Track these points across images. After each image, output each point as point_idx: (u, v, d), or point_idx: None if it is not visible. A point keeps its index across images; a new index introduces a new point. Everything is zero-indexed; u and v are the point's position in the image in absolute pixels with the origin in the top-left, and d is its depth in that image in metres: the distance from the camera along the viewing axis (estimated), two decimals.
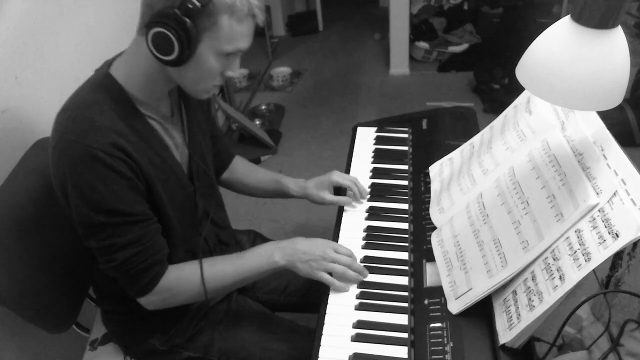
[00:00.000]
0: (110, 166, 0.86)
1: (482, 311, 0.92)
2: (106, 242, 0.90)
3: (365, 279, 1.05)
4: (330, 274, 1.03)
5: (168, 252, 0.99)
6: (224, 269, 1.02)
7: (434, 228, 1.12)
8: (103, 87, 0.91)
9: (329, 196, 1.26)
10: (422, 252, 1.09)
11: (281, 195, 1.31)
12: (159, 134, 0.97)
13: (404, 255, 1.10)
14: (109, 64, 0.95)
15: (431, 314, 0.95)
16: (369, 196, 1.27)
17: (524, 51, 0.78)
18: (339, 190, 1.29)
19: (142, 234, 0.92)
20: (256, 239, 1.38)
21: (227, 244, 1.24)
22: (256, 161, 2.71)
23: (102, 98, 0.89)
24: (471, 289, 0.93)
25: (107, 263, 0.92)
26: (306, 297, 1.29)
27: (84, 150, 0.84)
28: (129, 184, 0.89)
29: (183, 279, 1.00)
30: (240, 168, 1.32)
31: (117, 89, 0.91)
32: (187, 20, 0.80)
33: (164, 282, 0.97)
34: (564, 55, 0.71)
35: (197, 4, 0.80)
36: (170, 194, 0.99)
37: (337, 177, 1.26)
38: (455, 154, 1.26)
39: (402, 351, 0.91)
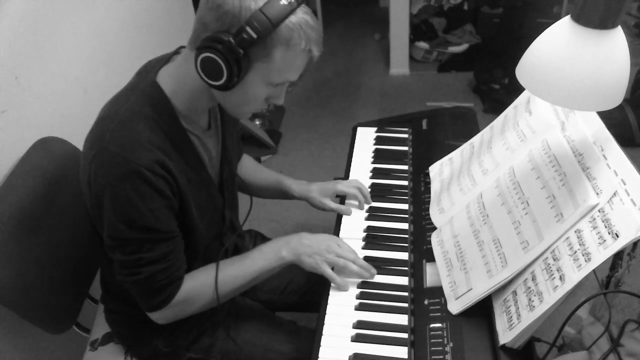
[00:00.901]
0: (152, 184, 0.85)
1: (482, 311, 0.92)
2: (134, 256, 0.89)
3: (369, 279, 1.04)
4: (334, 269, 1.04)
5: (186, 267, 0.98)
6: (234, 273, 1.02)
7: (434, 228, 1.12)
8: (150, 97, 0.89)
9: (331, 203, 1.26)
10: (422, 252, 1.09)
11: (283, 196, 1.31)
12: (196, 150, 0.96)
13: (404, 256, 1.10)
14: (154, 69, 0.92)
15: (431, 314, 0.95)
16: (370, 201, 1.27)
17: (524, 51, 0.78)
18: (343, 198, 1.29)
19: (169, 250, 0.92)
20: (257, 238, 1.39)
21: (240, 251, 1.25)
22: (256, 161, 2.71)
23: (148, 111, 0.87)
24: (471, 289, 0.93)
25: (130, 276, 0.91)
26: (306, 297, 1.29)
27: (127, 166, 0.83)
28: (166, 203, 0.88)
29: (196, 289, 0.99)
30: (246, 167, 1.32)
31: (163, 101, 0.89)
32: (241, 51, 0.78)
33: (179, 295, 0.96)
34: (564, 55, 0.71)
35: (254, 35, 0.77)
36: (201, 208, 0.98)
37: (342, 187, 1.26)
38: (455, 154, 1.26)
39: (402, 351, 0.91)
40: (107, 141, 0.84)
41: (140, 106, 0.87)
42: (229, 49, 0.78)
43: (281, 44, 0.80)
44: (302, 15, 0.81)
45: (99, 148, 0.85)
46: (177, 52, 0.97)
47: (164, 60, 0.95)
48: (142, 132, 0.85)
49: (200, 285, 0.99)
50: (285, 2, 0.79)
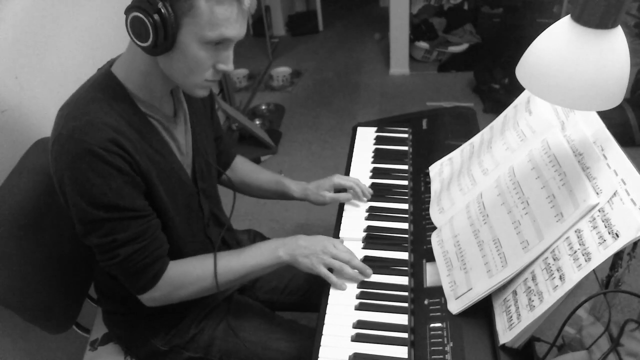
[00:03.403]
0: (108, 162, 0.85)
1: (482, 311, 0.92)
2: (107, 238, 0.90)
3: (365, 279, 1.05)
4: (331, 270, 1.04)
5: (169, 247, 0.98)
6: (229, 264, 1.02)
7: (434, 228, 1.12)
8: (104, 84, 0.90)
9: (329, 194, 1.26)
10: (422, 252, 1.09)
11: (282, 196, 1.31)
12: (160, 133, 0.97)
13: (404, 255, 1.10)
14: (111, 63, 0.94)
15: (431, 314, 0.95)
16: (371, 194, 1.27)
17: (524, 51, 0.78)
18: (342, 192, 1.29)
19: (143, 229, 0.92)
20: (256, 238, 1.39)
21: (230, 246, 1.24)
22: (256, 161, 2.71)
23: (101, 96, 0.89)
24: (471, 289, 0.93)
25: (109, 260, 0.92)
26: (306, 297, 1.29)
27: (81, 146, 0.83)
28: (126, 179, 0.88)
29: (188, 274, 0.99)
30: (242, 168, 1.32)
31: (117, 87, 0.91)
32: (159, 2, 0.78)
33: (167, 277, 0.96)
34: (564, 55, 0.71)
35: None
36: (172, 194, 0.99)
37: (338, 179, 1.27)
38: (455, 154, 1.26)
39: (402, 351, 0.91)
40: (61, 128, 0.85)
41: (93, 92, 0.89)
42: (149, 4, 0.78)
43: None
44: None
45: (55, 136, 0.86)
46: None
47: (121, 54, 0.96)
48: (93, 114, 0.86)
49: (192, 270, 1.00)
50: None
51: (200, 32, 0.81)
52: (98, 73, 0.94)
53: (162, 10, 0.78)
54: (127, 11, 0.81)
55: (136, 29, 0.81)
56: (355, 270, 1.04)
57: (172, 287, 0.98)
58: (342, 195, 1.25)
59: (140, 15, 0.79)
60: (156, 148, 0.95)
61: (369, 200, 1.26)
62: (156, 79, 0.92)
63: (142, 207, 0.92)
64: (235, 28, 0.83)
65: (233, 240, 1.28)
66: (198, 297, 1.03)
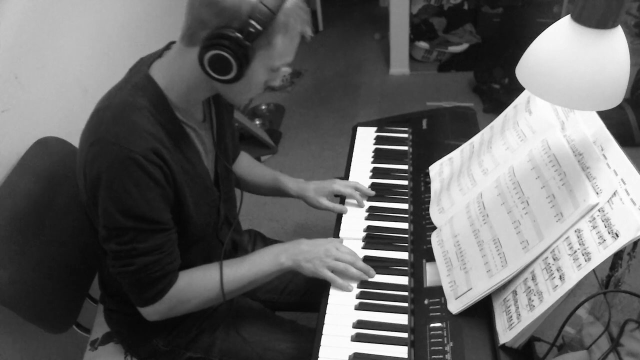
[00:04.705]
0: (148, 172, 0.85)
1: (482, 311, 0.92)
2: (127, 246, 0.89)
3: (369, 280, 1.04)
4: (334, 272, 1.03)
5: (180, 262, 0.98)
6: (232, 274, 1.01)
7: (434, 228, 1.12)
8: (144, 89, 0.90)
9: (326, 202, 1.26)
10: (422, 252, 1.09)
11: (279, 193, 1.31)
12: (192, 141, 0.97)
13: (404, 255, 1.10)
14: (146, 64, 0.93)
15: (431, 314, 0.95)
16: (373, 193, 1.27)
17: (524, 51, 0.78)
18: (343, 198, 1.28)
19: (162, 242, 0.92)
20: (257, 238, 1.38)
21: (238, 248, 1.24)
22: (253, 159, 2.71)
23: (143, 102, 0.88)
24: (471, 288, 0.93)
25: (122, 267, 0.91)
26: (306, 296, 1.29)
27: (124, 154, 0.83)
28: (161, 192, 0.89)
29: (191, 287, 0.99)
30: (243, 164, 1.32)
31: (157, 93, 0.90)
32: (248, 44, 0.80)
33: (173, 291, 0.96)
34: (564, 55, 0.71)
35: (259, 27, 0.80)
36: (196, 199, 0.98)
37: (338, 186, 1.26)
38: (455, 154, 1.26)
39: (402, 351, 0.91)
40: (103, 131, 0.85)
41: (135, 97, 0.88)
42: (237, 44, 0.80)
43: (280, 30, 0.82)
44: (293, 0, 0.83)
45: (94, 138, 0.85)
46: (167, 47, 0.97)
47: (156, 55, 0.95)
48: (137, 121, 0.86)
49: (195, 283, 0.99)
50: None
51: (270, 62, 0.86)
52: (135, 75, 0.93)
53: (248, 51, 0.81)
54: (208, 47, 0.81)
55: (216, 65, 0.82)
56: (360, 272, 1.04)
57: (177, 300, 0.97)
58: (337, 207, 1.24)
59: (224, 54, 0.80)
60: (188, 156, 0.95)
61: (368, 200, 1.26)
62: (201, 91, 0.93)
63: (167, 220, 0.92)
64: (295, 53, 0.90)
65: (241, 241, 1.28)
66: (201, 309, 1.03)
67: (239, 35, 0.79)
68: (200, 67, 0.83)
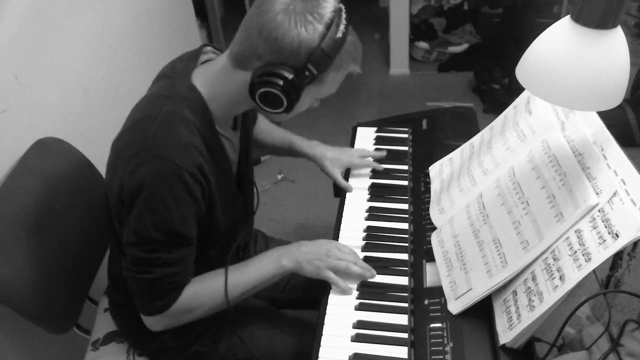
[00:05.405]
0: (189, 189, 0.86)
1: (482, 311, 0.92)
2: (152, 254, 0.90)
3: (370, 280, 1.04)
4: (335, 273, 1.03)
5: (193, 275, 0.99)
6: (235, 281, 1.01)
7: (434, 228, 1.12)
8: (189, 101, 0.89)
9: (340, 177, 1.29)
10: (422, 252, 1.09)
11: (294, 154, 1.35)
12: (226, 151, 0.97)
13: (404, 256, 1.10)
14: (187, 71, 0.92)
15: (431, 314, 0.95)
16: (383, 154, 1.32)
17: (524, 51, 0.78)
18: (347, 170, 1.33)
19: (185, 255, 0.93)
20: (258, 236, 1.39)
21: (248, 246, 1.26)
22: (256, 161, 2.71)
23: (189, 114, 0.87)
24: (471, 289, 0.93)
25: (140, 274, 0.91)
26: (307, 293, 1.30)
27: (169, 168, 0.83)
28: (196, 208, 0.90)
29: (197, 296, 0.99)
30: (260, 126, 1.33)
31: (202, 107, 0.90)
32: (303, 86, 0.82)
33: (178, 303, 0.96)
34: (564, 55, 0.71)
35: (315, 72, 0.82)
36: (224, 207, 0.99)
37: (357, 160, 1.31)
38: (455, 154, 1.26)
39: (402, 351, 0.91)
40: (149, 142, 0.84)
41: (181, 108, 0.88)
42: (291, 86, 0.81)
43: (333, 70, 0.85)
44: (350, 38, 0.85)
45: (139, 148, 0.85)
46: (201, 51, 0.97)
47: (191, 60, 0.95)
48: (183, 135, 0.86)
49: (200, 294, 0.99)
50: (340, 35, 0.82)
51: (318, 94, 0.91)
52: (176, 82, 0.92)
53: (299, 91, 0.83)
54: (261, 84, 0.82)
55: (268, 99, 0.84)
56: (361, 269, 1.04)
57: (182, 311, 0.97)
58: (344, 183, 1.28)
59: (277, 92, 0.82)
60: (220, 165, 0.95)
61: (368, 200, 1.26)
62: (243, 107, 0.95)
63: (194, 235, 0.93)
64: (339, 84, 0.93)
65: (249, 238, 1.29)
66: (204, 317, 1.03)
67: (293, 77, 0.81)
68: (250, 96, 0.84)
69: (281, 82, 0.81)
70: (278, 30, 0.79)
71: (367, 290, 1.03)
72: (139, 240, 0.89)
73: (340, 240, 1.16)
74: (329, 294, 1.03)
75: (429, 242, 1.09)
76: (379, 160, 1.35)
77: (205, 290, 0.99)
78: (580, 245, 0.79)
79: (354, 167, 1.32)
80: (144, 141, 0.85)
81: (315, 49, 0.80)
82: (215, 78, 0.91)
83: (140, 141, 0.85)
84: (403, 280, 1.04)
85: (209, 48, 1.01)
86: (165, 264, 0.91)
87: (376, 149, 1.39)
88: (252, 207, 1.21)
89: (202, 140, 0.88)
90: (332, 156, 1.30)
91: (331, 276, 1.02)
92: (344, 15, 0.83)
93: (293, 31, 0.79)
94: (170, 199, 0.85)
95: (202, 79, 0.91)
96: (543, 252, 0.85)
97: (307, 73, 0.81)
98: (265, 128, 1.34)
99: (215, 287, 1.00)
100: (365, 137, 1.48)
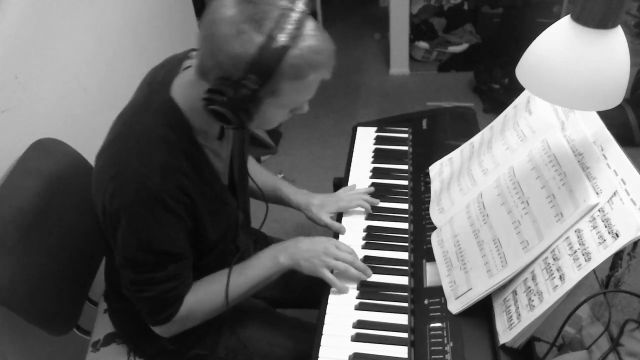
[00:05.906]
0: (171, 210, 0.84)
1: (482, 311, 0.92)
2: (145, 275, 0.90)
3: (367, 280, 1.04)
4: (333, 272, 1.03)
5: (192, 284, 0.98)
6: (235, 282, 1.01)
7: (434, 228, 1.12)
8: (167, 116, 0.86)
9: (327, 219, 1.22)
10: (422, 252, 1.09)
11: (279, 202, 1.30)
12: (210, 162, 0.95)
13: (404, 255, 1.10)
14: (166, 82, 0.88)
15: (431, 314, 0.95)
16: (378, 201, 1.24)
17: (524, 51, 0.78)
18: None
19: (179, 271, 0.93)
20: (258, 237, 1.38)
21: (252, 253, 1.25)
22: (256, 161, 2.71)
23: (167, 132, 0.84)
24: (471, 288, 0.93)
25: (137, 293, 0.92)
26: (307, 293, 1.29)
27: (146, 193, 0.82)
28: (183, 224, 0.89)
29: (199, 302, 0.99)
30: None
31: (181, 121, 0.87)
32: (245, 99, 0.75)
33: (181, 311, 0.96)
34: (564, 55, 0.71)
35: (255, 86, 0.74)
36: (213, 217, 0.98)
37: (345, 203, 1.22)
38: (455, 154, 1.26)
39: (402, 351, 0.91)
40: (125, 164, 0.83)
41: (159, 126, 0.85)
42: (233, 101, 0.76)
43: (288, 79, 0.77)
44: (306, 43, 0.76)
45: (116, 171, 0.83)
46: (187, 56, 0.93)
47: (173, 68, 0.91)
48: (161, 157, 0.84)
49: (202, 299, 0.99)
50: (284, 39, 0.73)
51: (282, 105, 0.82)
52: (154, 95, 0.89)
53: (244, 105, 0.76)
54: (207, 100, 0.77)
55: (218, 116, 0.78)
56: (359, 272, 1.04)
57: (186, 317, 0.98)
58: (336, 225, 1.19)
59: (223, 111, 0.77)
60: (206, 179, 0.94)
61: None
62: None
63: (186, 249, 0.93)
64: (314, 91, 0.84)
65: (250, 245, 1.28)
66: (208, 319, 1.03)
67: (233, 93, 0.75)
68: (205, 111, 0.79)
69: (223, 99, 0.76)
70: (219, 42, 0.74)
71: (367, 290, 1.03)
72: (128, 263, 0.90)
73: (340, 240, 1.16)
74: (328, 293, 1.03)
75: (429, 242, 1.09)
76: (375, 195, 1.26)
77: (206, 296, 1.00)
78: (580, 245, 0.79)
79: (345, 209, 1.23)
80: (119, 165, 0.83)
81: (254, 58, 0.73)
82: (189, 88, 0.86)
83: (116, 163, 0.84)
84: (403, 280, 1.04)
85: (194, 53, 0.95)
86: (161, 282, 0.91)
87: (371, 182, 1.32)
88: (247, 212, 1.20)
89: (183, 156, 0.86)
90: (318, 203, 1.24)
91: (328, 275, 1.02)
92: (291, 21, 0.74)
93: (231, 43, 0.73)
94: (152, 222, 0.84)
95: (179, 89, 0.88)
96: (543, 252, 0.85)
97: (250, 86, 0.74)
98: (253, 169, 1.28)
99: (216, 291, 1.00)
100: (365, 137, 1.48)
